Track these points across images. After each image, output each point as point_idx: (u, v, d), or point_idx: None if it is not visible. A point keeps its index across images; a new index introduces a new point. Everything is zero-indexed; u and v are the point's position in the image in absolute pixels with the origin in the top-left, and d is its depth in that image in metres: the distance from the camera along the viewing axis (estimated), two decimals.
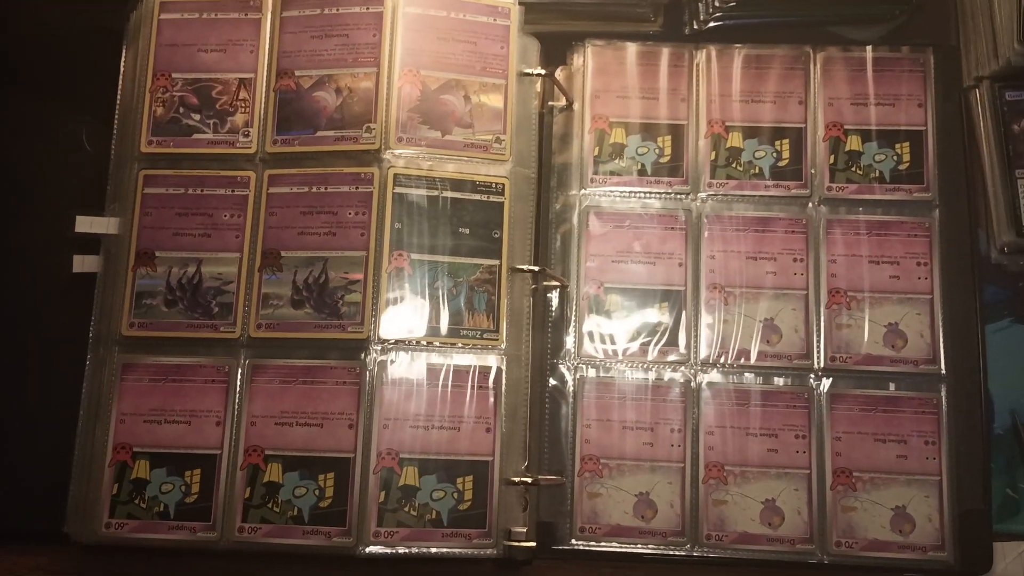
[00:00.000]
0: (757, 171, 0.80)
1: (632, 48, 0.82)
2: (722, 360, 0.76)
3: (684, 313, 0.77)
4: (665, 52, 0.82)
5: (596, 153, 0.81)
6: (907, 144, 0.79)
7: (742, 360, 0.76)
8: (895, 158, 0.79)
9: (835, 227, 0.78)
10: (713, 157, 0.80)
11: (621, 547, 0.74)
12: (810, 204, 0.79)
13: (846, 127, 0.80)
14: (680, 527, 0.74)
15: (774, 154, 0.80)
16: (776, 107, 0.81)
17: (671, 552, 0.74)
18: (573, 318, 0.78)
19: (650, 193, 0.80)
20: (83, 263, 0.77)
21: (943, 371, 0.75)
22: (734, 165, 0.80)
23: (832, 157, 0.79)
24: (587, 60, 0.82)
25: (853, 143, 0.80)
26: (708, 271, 0.78)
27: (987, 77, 0.79)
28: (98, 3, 0.83)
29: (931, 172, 0.79)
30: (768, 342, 0.77)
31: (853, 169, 0.79)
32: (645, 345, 0.77)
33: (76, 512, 0.73)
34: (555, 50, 0.82)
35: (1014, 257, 0.77)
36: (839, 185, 0.79)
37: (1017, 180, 0.77)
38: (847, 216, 0.78)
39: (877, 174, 0.79)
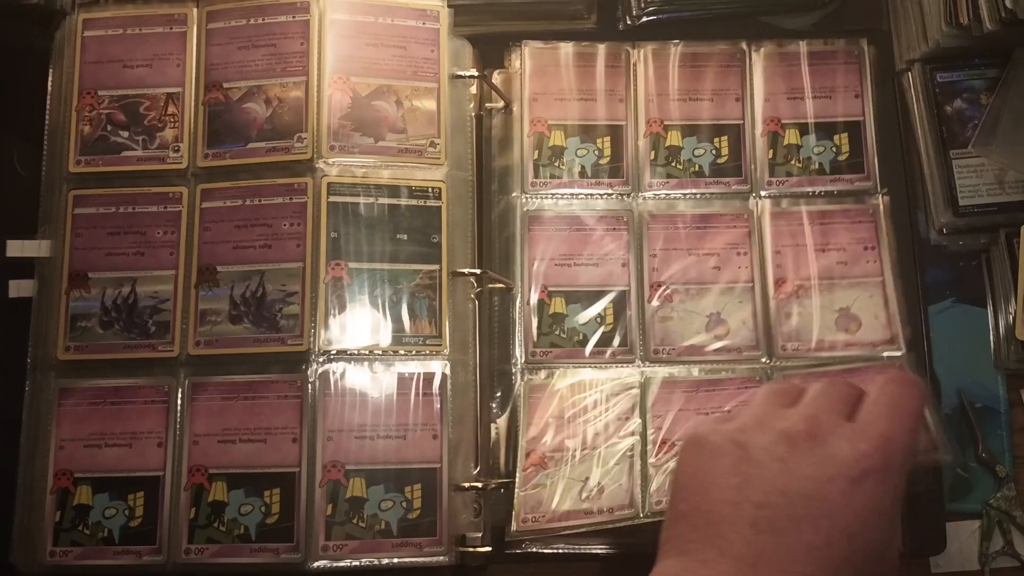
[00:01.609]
0: (697, 169, 0.80)
1: (569, 49, 0.82)
2: (671, 357, 0.76)
3: (629, 312, 0.77)
4: (602, 52, 0.82)
5: (536, 156, 0.80)
6: (845, 135, 0.80)
7: (692, 356, 0.76)
8: (834, 150, 0.79)
9: (778, 219, 0.78)
10: (653, 156, 0.80)
11: (575, 549, 0.73)
12: (751, 198, 0.79)
13: (784, 122, 0.80)
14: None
15: (713, 151, 0.80)
16: (714, 104, 0.81)
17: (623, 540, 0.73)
18: (519, 321, 0.77)
19: (591, 195, 0.79)
20: (19, 288, 0.76)
21: (904, 351, 0.75)
22: (674, 164, 0.80)
23: (771, 152, 0.79)
24: (524, 62, 0.82)
25: (791, 137, 0.80)
26: (652, 270, 0.77)
27: (918, 60, 0.79)
28: (26, 23, 0.81)
29: (871, 161, 0.79)
30: (716, 336, 0.76)
31: (792, 163, 0.79)
32: (592, 345, 0.76)
33: (21, 541, 0.71)
34: (493, 52, 0.82)
35: (953, 237, 0.77)
36: (779, 179, 0.79)
37: (952, 161, 0.77)
38: (789, 208, 0.78)
39: (817, 166, 0.79)
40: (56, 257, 0.74)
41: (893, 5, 0.81)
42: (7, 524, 0.71)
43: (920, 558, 0.73)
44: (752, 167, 0.79)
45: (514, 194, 0.79)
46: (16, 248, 0.75)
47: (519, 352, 0.76)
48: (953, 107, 0.78)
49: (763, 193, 0.79)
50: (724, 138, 0.80)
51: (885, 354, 0.75)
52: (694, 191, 0.79)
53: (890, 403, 0.48)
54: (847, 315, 0.76)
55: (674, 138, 0.80)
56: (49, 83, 0.79)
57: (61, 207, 0.75)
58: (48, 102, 0.78)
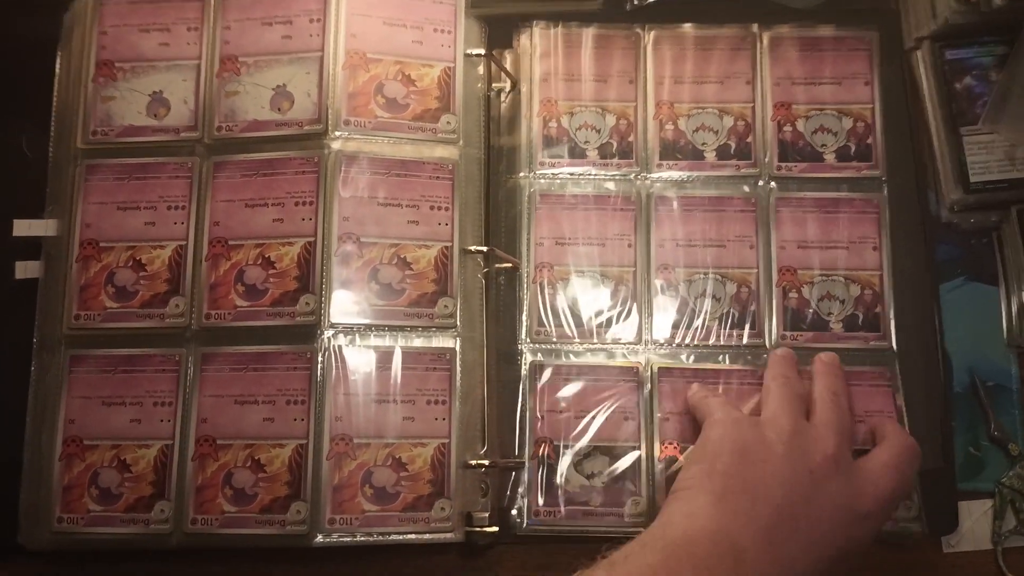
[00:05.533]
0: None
1: (579, 30, 0.82)
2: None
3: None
4: (613, 34, 0.82)
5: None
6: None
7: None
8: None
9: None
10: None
11: (583, 529, 0.72)
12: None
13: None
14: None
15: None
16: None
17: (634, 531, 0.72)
18: (525, 301, 0.77)
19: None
20: (25, 269, 0.76)
21: (894, 347, 0.75)
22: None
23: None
24: (534, 42, 0.82)
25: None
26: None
27: (927, 37, 0.79)
28: (31, 11, 0.81)
29: (879, 149, 0.79)
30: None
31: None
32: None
33: (27, 517, 0.71)
34: (501, 32, 0.82)
35: (964, 215, 0.77)
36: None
37: (962, 138, 0.77)
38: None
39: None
40: (63, 231, 0.74)
41: None
42: (13, 508, 0.71)
43: (932, 537, 0.73)
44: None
45: (521, 174, 0.79)
46: (23, 228, 0.75)
47: (524, 332, 0.76)
48: (962, 84, 0.78)
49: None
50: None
51: (872, 344, 0.75)
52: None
53: (899, 466, 0.64)
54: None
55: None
56: (57, 65, 0.79)
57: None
58: (56, 84, 0.79)
